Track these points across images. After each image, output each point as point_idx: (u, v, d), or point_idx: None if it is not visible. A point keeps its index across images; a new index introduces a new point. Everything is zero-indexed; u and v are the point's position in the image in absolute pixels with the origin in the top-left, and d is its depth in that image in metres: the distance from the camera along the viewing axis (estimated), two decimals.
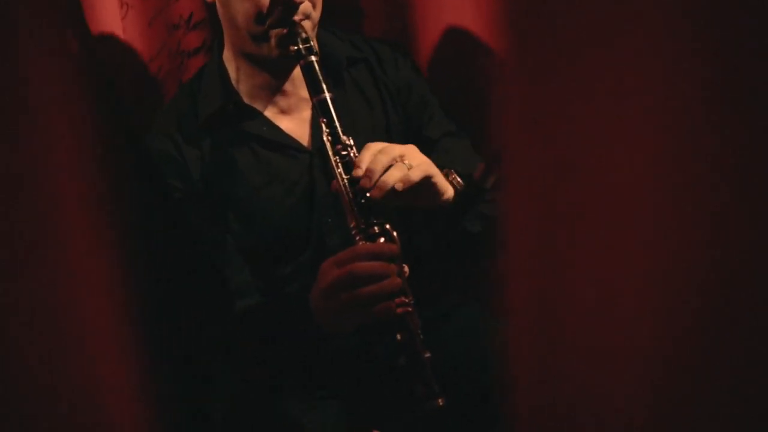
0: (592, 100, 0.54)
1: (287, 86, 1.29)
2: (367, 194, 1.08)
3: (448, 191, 1.19)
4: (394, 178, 1.08)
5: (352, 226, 1.10)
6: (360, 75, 1.37)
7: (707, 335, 0.53)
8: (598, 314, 0.58)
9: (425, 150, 1.33)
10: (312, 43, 1.14)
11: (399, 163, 1.10)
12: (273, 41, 1.17)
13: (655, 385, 0.56)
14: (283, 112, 1.30)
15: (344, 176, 1.11)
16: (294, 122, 1.31)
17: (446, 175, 1.20)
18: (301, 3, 1.16)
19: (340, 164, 1.11)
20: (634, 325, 0.56)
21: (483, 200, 1.22)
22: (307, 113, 1.30)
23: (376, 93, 1.36)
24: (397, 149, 1.11)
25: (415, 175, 1.10)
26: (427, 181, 1.13)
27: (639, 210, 0.54)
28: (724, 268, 0.51)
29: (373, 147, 1.11)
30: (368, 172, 1.08)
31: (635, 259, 0.55)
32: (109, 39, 1.41)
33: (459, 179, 1.22)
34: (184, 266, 1.35)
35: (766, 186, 0.49)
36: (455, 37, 1.45)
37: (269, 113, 1.29)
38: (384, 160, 1.09)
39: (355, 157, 1.11)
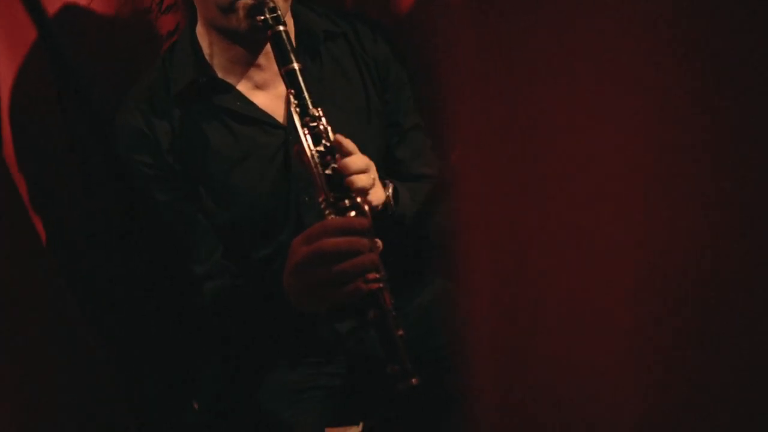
0: (564, 81, 0.52)
1: (261, 60, 1.26)
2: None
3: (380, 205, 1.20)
4: (363, 183, 1.07)
5: (321, 199, 1.07)
6: (338, 49, 1.34)
7: (689, 328, 0.50)
8: (565, 305, 0.56)
9: (393, 135, 1.35)
10: (279, 13, 1.12)
11: (369, 173, 1.10)
12: (240, 12, 1.15)
13: (632, 380, 0.54)
14: (257, 87, 1.28)
15: (312, 148, 1.08)
16: (268, 98, 1.28)
17: (385, 187, 1.22)
18: None
19: (308, 136, 1.08)
20: (603, 318, 0.54)
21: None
22: (282, 88, 1.27)
23: (354, 67, 1.34)
24: (367, 159, 1.11)
25: (377, 198, 1.14)
26: (375, 207, 1.15)
27: (611, 199, 0.52)
28: (700, 264, 0.49)
29: (352, 143, 1.10)
30: (342, 167, 1.06)
31: (607, 253, 0.53)
32: (75, 24, 1.38)
33: (391, 196, 1.23)
34: (154, 247, 1.34)
35: (750, 184, 0.46)
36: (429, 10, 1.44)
37: (243, 88, 1.27)
38: (359, 164, 1.08)
39: (325, 129, 1.09)
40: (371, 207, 1.11)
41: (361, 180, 1.06)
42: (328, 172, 1.07)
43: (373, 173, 1.11)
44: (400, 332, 1.08)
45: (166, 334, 1.49)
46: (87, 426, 1.07)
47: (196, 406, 1.43)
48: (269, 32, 1.11)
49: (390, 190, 1.22)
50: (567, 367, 0.58)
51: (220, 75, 1.25)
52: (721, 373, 0.45)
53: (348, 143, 1.09)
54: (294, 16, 1.29)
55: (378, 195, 1.13)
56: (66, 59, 1.38)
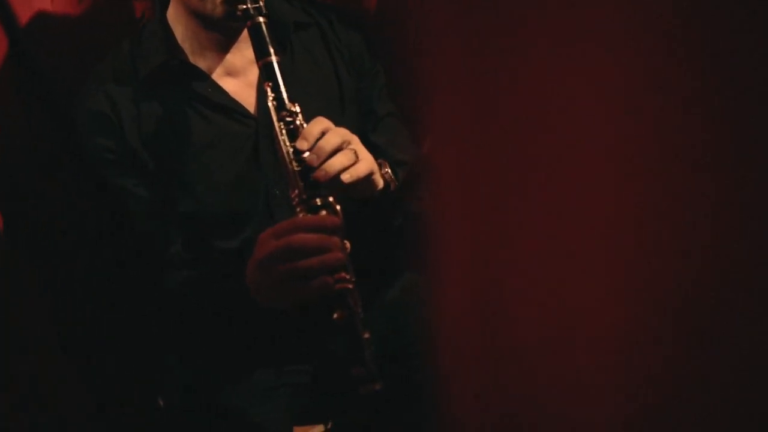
0: (556, 78, 0.51)
1: (234, 47, 1.24)
2: (312, 175, 1.05)
3: (379, 185, 1.17)
4: (341, 164, 1.05)
5: (293, 195, 1.06)
6: (310, 39, 1.32)
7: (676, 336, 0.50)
8: (547, 302, 0.55)
9: (368, 122, 1.33)
10: (261, 4, 1.10)
11: (347, 149, 1.07)
12: None
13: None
14: (229, 73, 1.26)
15: (288, 144, 1.07)
16: (239, 85, 1.26)
17: (380, 167, 1.18)
18: None
19: (284, 131, 1.07)
20: (590, 316, 0.53)
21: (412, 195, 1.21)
22: (253, 76, 1.26)
23: (327, 57, 1.33)
24: (347, 133, 1.09)
25: (362, 170, 1.08)
26: (368, 177, 1.10)
27: (603, 197, 0.51)
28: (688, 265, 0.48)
29: (324, 121, 1.08)
30: (317, 150, 1.04)
31: (589, 256, 0.52)
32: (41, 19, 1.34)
33: (390, 172, 1.20)
34: (113, 236, 1.30)
35: (750, 184, 0.46)
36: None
37: (214, 74, 1.25)
38: (334, 141, 1.06)
39: (301, 124, 1.07)
40: (366, 177, 1.09)
41: (335, 164, 1.04)
42: (300, 168, 1.06)
43: (355, 145, 1.09)
44: (366, 335, 1.07)
45: (130, 328, 1.45)
46: (48, 421, 1.04)
47: (161, 402, 1.40)
48: (248, 23, 1.09)
49: (387, 167, 1.20)
50: (548, 365, 0.57)
51: (190, 59, 1.23)
52: (721, 373, 0.45)
53: (320, 122, 1.07)
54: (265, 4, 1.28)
55: (366, 165, 1.10)
56: (28, 51, 1.34)
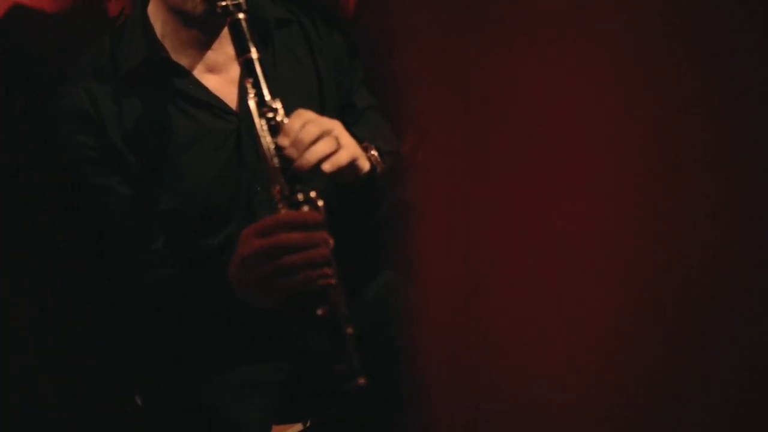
0: (541, 74, 0.51)
1: (215, 43, 1.23)
2: (293, 165, 1.04)
3: (365, 168, 1.17)
4: (322, 152, 1.05)
5: (275, 191, 1.05)
6: (292, 37, 1.32)
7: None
8: (525, 303, 0.55)
9: (349, 116, 1.33)
10: (241, 0, 1.09)
11: (329, 137, 1.06)
12: None
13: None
14: (210, 70, 1.25)
15: (269, 140, 1.06)
16: (220, 82, 1.25)
17: (365, 150, 1.18)
18: None
19: (265, 127, 1.06)
20: (580, 320, 0.53)
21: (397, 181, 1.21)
22: (235, 72, 1.25)
23: (308, 55, 1.33)
24: (327, 122, 1.08)
25: (344, 158, 1.08)
26: (351, 163, 1.11)
27: (601, 197, 0.51)
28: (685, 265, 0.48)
29: (304, 114, 1.07)
30: (296, 143, 1.04)
31: (586, 255, 0.52)
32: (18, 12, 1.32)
33: (376, 155, 1.20)
34: (93, 235, 1.28)
35: (750, 184, 0.46)
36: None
37: (195, 71, 1.24)
38: (313, 131, 1.05)
39: (282, 120, 1.06)
40: (349, 164, 1.10)
41: (317, 152, 1.04)
42: (282, 164, 1.05)
43: (338, 132, 1.09)
44: (350, 330, 1.06)
45: (107, 326, 1.43)
46: (48, 421, 1.02)
47: (138, 400, 1.39)
48: (228, 19, 1.08)
49: (374, 150, 1.20)
50: (533, 363, 0.56)
51: (171, 56, 1.21)
52: (721, 373, 0.45)
53: (300, 116, 1.06)
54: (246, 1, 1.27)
55: (350, 151, 1.10)
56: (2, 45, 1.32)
